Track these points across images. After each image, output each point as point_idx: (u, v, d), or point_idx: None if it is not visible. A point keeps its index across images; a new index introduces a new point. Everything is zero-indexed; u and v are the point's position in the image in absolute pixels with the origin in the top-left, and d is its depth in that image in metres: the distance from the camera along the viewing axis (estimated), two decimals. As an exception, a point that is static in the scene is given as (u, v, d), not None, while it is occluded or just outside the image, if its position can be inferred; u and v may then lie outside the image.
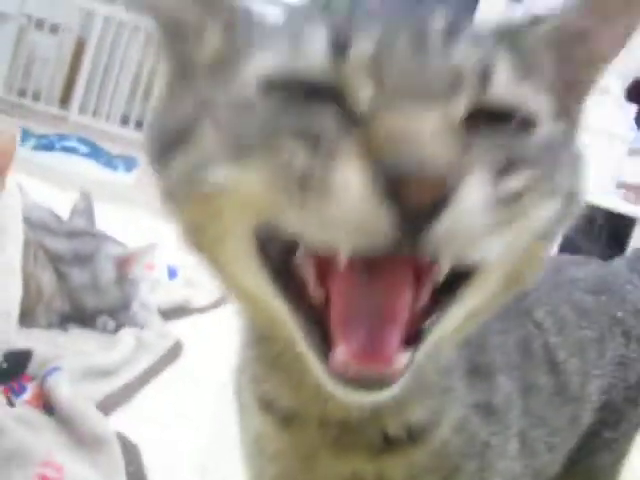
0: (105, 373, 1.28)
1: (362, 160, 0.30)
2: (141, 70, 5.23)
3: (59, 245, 1.49)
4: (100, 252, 1.52)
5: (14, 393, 1.17)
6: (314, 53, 0.34)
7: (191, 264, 1.68)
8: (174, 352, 1.47)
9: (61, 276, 1.46)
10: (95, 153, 3.43)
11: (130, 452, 1.05)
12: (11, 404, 1.13)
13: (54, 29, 5.40)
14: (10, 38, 5.12)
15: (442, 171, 0.29)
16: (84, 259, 1.50)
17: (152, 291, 1.72)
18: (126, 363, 1.35)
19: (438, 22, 0.34)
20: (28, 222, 1.38)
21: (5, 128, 0.73)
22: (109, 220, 1.79)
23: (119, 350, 1.38)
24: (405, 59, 0.33)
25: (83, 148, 3.41)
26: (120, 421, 1.15)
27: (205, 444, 1.18)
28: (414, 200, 0.29)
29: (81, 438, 1.06)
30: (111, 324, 1.52)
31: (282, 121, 0.33)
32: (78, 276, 1.48)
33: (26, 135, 3.38)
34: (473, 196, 0.30)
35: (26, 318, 1.34)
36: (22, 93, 5.35)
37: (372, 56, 0.33)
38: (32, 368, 1.22)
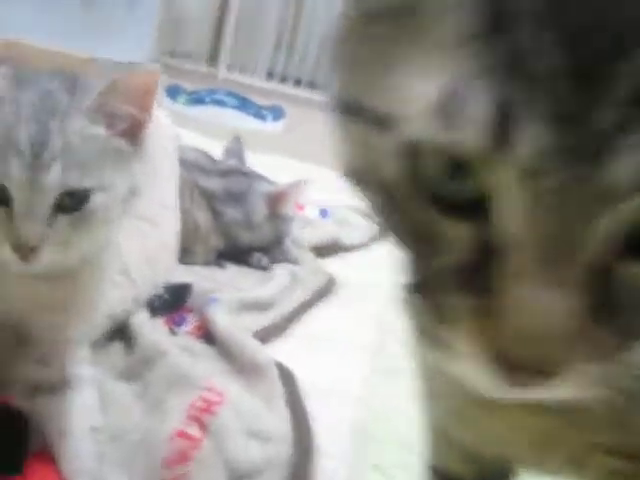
0: (261, 306, 1.29)
1: (481, 345, 0.28)
2: (284, 26, 5.26)
3: (213, 184, 1.51)
4: (252, 190, 1.53)
5: (175, 323, 1.20)
6: (472, 132, 0.25)
7: (342, 206, 1.66)
8: (328, 287, 1.47)
9: (216, 214, 1.48)
10: (244, 105, 3.47)
11: (287, 378, 1.04)
12: (173, 333, 1.16)
13: (200, -12, 5.52)
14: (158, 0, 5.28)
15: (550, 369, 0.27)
16: (237, 197, 1.51)
17: (303, 229, 1.71)
18: (281, 297, 1.35)
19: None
20: (183, 163, 1.41)
21: (148, 66, 0.72)
22: (260, 167, 1.81)
23: (274, 285, 1.39)
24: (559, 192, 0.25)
25: (232, 101, 3.46)
26: (276, 351, 1.15)
27: (359, 375, 1.16)
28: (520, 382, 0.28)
29: (240, 366, 1.07)
30: (265, 260, 1.53)
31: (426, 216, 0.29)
32: (232, 213, 1.50)
33: (178, 91, 3.49)
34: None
35: (185, 255, 1.38)
36: (172, 53, 5.53)
37: (528, 171, 0.25)
38: (192, 301, 1.25)
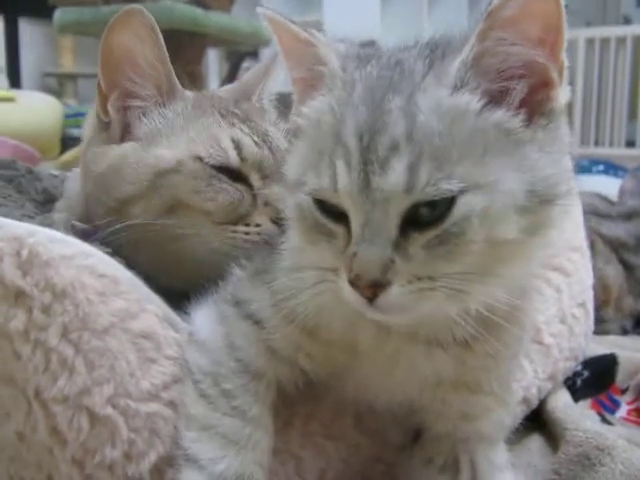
0: None
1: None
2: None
3: (619, 231, 1.18)
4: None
5: (605, 408, 0.88)
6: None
7: None
8: None
9: (628, 268, 1.15)
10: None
11: None
12: (606, 422, 0.84)
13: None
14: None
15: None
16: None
17: None
18: None
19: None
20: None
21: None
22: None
23: None
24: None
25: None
26: None
27: None
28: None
29: None
30: None
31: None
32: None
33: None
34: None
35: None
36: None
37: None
38: (622, 378, 0.93)
